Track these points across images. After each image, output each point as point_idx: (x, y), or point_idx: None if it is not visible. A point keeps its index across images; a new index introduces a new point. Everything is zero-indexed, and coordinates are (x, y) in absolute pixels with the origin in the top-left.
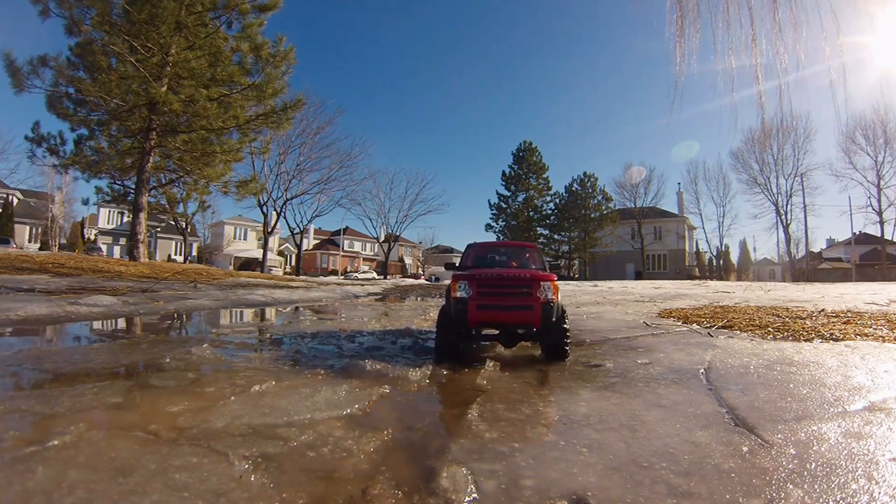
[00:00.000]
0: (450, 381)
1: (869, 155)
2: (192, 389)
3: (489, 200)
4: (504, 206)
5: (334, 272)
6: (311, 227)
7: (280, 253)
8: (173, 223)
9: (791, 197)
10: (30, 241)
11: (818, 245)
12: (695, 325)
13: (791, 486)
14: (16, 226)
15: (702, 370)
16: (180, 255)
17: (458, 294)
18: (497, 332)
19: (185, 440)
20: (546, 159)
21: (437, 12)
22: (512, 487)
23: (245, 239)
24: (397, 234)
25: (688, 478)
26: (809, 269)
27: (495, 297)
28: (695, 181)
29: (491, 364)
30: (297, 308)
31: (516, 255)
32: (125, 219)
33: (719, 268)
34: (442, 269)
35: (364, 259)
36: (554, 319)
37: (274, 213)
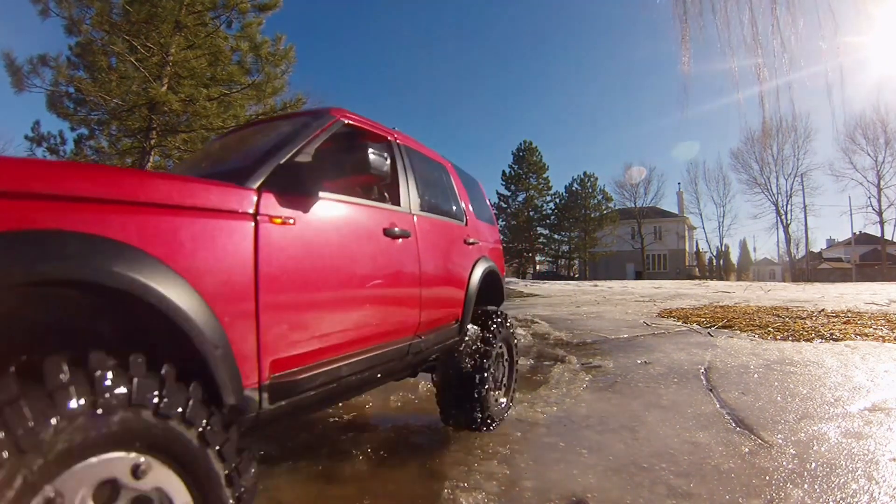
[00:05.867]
0: None
1: (869, 155)
2: None
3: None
4: (504, 205)
5: None
6: None
7: None
8: None
9: (791, 197)
10: None
11: (818, 245)
12: (695, 324)
13: (791, 487)
14: None
15: (702, 370)
16: None
17: None
18: None
19: None
20: (546, 159)
21: (436, 8)
22: (512, 488)
23: None
24: None
25: (688, 479)
26: (809, 269)
27: None
28: (695, 181)
29: None
30: None
31: None
32: None
33: (719, 268)
34: None
35: None
36: None
37: None
